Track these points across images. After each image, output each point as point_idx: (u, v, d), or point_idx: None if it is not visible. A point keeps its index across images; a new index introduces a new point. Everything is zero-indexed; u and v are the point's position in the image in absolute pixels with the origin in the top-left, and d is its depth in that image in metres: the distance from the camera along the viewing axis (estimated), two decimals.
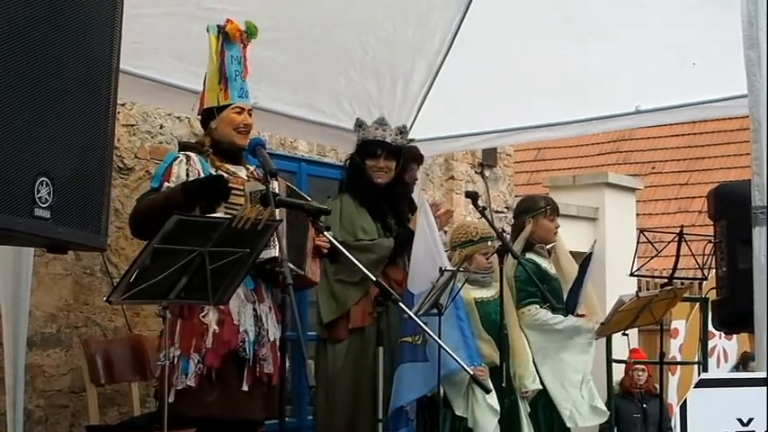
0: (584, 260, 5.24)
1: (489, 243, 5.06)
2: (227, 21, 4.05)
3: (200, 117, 4.17)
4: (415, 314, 4.17)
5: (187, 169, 3.93)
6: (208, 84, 4.06)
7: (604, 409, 5.26)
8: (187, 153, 4.01)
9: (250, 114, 4.10)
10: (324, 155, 6.70)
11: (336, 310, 4.86)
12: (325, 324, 4.90)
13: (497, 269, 4.93)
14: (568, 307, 5.20)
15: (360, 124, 5.19)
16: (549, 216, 5.34)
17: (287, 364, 4.01)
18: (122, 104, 5.37)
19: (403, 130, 5.29)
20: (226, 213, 3.80)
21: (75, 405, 5.12)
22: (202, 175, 3.94)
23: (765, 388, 3.00)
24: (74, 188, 2.55)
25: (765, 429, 3.01)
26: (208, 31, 4.05)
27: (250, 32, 4.10)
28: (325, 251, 4.19)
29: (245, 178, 4.02)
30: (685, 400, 3.02)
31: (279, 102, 5.52)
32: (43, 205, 2.43)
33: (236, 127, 4.04)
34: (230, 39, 4.03)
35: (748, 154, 3.78)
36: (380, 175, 5.04)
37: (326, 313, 4.88)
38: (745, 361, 8.21)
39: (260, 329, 3.95)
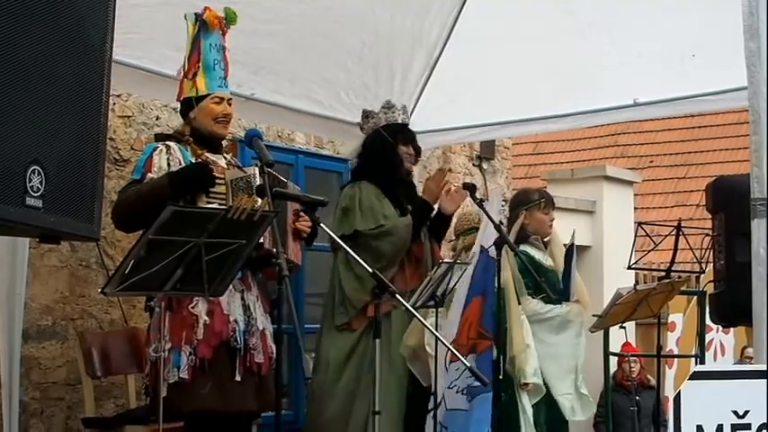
0: (567, 251, 5.23)
1: None
2: (205, 8, 3.98)
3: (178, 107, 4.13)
4: (413, 306, 4.16)
5: (168, 158, 3.91)
6: (186, 72, 4.01)
7: (591, 401, 5.25)
8: (166, 143, 3.98)
9: (230, 104, 4.06)
10: (321, 147, 6.67)
11: (365, 293, 4.71)
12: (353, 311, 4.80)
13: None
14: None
15: (390, 106, 5.11)
16: (543, 209, 5.33)
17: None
18: (118, 96, 5.35)
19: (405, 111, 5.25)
20: (207, 202, 3.78)
21: (71, 397, 5.11)
22: (183, 164, 3.91)
23: (764, 380, 2.99)
24: (66, 177, 2.54)
25: (763, 422, 2.99)
26: (185, 18, 3.99)
27: (229, 19, 4.02)
28: (305, 235, 4.14)
29: (225, 167, 4.00)
30: (679, 392, 3.00)
31: (276, 93, 5.50)
32: (35, 194, 2.41)
33: (216, 117, 4.00)
34: (208, 27, 3.97)
35: (746, 148, 3.77)
36: (410, 160, 5.05)
37: (357, 299, 4.78)
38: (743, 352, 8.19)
39: (249, 318, 3.94)
